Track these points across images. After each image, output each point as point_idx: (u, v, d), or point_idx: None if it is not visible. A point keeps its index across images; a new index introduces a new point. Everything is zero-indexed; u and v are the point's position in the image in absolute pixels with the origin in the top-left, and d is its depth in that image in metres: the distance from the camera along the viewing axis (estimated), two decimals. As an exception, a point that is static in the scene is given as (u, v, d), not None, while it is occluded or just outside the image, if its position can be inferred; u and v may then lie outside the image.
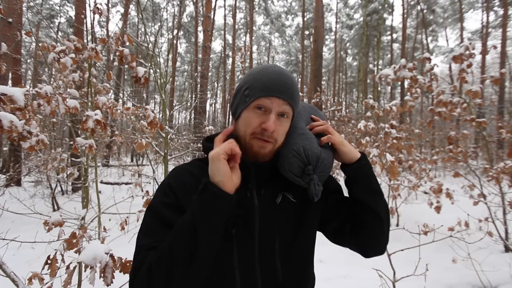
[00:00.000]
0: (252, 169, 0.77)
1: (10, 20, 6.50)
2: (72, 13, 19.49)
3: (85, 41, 3.78)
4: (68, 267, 1.49)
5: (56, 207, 5.86)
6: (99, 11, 2.95)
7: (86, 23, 5.14)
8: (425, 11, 22.29)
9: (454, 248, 3.31)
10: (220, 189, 0.64)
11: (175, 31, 18.66)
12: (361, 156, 0.83)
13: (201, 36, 15.57)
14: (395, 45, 26.28)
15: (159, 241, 0.66)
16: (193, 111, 12.84)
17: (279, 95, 0.73)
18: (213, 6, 19.61)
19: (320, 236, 0.89)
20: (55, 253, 1.62)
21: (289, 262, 0.77)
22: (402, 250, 2.46)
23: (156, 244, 0.66)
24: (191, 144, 6.61)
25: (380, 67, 22.41)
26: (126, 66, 2.89)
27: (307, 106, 0.94)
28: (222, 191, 0.64)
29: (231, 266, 0.71)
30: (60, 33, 19.33)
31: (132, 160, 18.12)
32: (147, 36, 3.72)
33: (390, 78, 3.81)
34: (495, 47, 4.58)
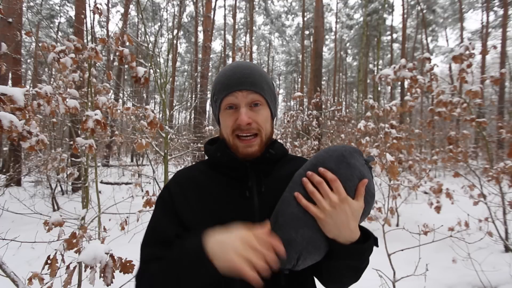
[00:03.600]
0: (249, 167, 0.76)
1: (10, 20, 6.51)
2: (72, 13, 19.51)
3: (85, 41, 3.78)
4: (68, 267, 1.49)
5: (56, 207, 5.86)
6: (99, 11, 2.95)
7: (86, 23, 5.14)
8: (425, 11, 22.29)
9: (454, 248, 3.31)
10: (213, 267, 0.57)
11: (175, 31, 18.66)
12: (360, 237, 0.66)
13: (201, 36, 15.60)
14: (395, 45, 26.30)
15: (153, 253, 0.68)
16: (193, 111, 12.85)
17: (240, 87, 0.73)
18: (213, 6, 19.60)
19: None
20: (55, 253, 1.62)
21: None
22: (402, 250, 2.46)
23: (151, 257, 0.68)
24: (191, 144, 6.62)
25: (380, 67, 22.42)
26: (126, 66, 2.89)
27: (337, 151, 0.68)
28: (214, 270, 0.57)
29: None
30: (60, 33, 19.32)
31: (132, 160, 18.13)
32: (147, 36, 3.72)
33: (390, 78, 3.80)
34: (495, 47, 4.57)
